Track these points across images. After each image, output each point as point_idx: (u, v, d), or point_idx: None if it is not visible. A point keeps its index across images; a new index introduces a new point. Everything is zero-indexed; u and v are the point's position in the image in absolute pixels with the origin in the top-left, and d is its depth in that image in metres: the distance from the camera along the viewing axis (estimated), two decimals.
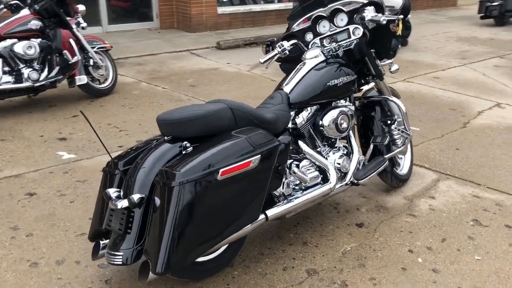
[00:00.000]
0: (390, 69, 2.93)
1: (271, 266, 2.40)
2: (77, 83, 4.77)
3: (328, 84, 2.62)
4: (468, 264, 2.43)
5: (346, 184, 2.67)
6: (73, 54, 4.60)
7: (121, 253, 1.98)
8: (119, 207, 1.98)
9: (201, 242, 1.95)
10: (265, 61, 2.72)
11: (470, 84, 5.74)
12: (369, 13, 2.60)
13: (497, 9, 9.89)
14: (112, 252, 2.01)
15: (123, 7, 9.01)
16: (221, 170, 1.93)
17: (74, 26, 4.74)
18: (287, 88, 2.62)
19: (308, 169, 2.53)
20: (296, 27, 2.99)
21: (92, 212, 2.26)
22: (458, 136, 4.13)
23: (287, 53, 2.78)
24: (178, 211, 1.84)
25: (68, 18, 4.71)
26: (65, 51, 4.54)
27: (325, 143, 2.72)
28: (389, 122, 3.02)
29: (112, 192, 2.07)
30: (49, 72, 4.59)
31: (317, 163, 2.58)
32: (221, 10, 9.08)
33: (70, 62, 4.57)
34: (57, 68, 4.62)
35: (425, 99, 5.14)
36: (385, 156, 2.89)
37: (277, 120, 2.40)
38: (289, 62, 3.01)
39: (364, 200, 3.05)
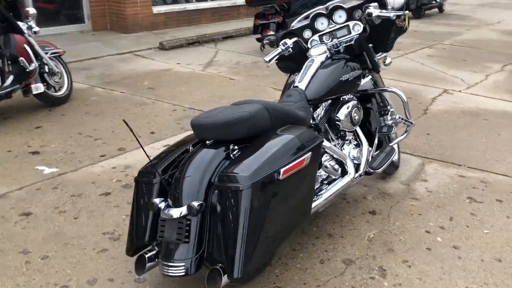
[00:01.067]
0: (384, 62, 3.09)
1: (308, 260, 2.44)
2: (34, 92, 4.45)
3: (341, 79, 2.71)
4: (481, 238, 2.65)
5: (360, 175, 2.78)
6: (29, 61, 4.29)
7: (183, 264, 1.92)
8: (175, 216, 1.92)
9: (271, 242, 1.95)
10: (270, 60, 2.75)
11: (414, 74, 6.15)
12: (375, 9, 2.72)
13: (414, 3, 10.64)
14: (170, 264, 1.94)
15: (50, 9, 8.46)
16: (282, 170, 1.94)
17: (25, 31, 4.40)
18: (302, 85, 2.67)
19: (331, 163, 2.61)
20: (295, 24, 3.03)
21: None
22: (424, 122, 4.43)
23: (291, 50, 2.84)
24: (248, 214, 1.83)
25: (18, 23, 4.37)
26: (21, 58, 4.21)
27: (338, 137, 2.82)
28: (383, 113, 3.18)
29: (159, 202, 2.00)
30: (3, 81, 4.23)
31: (335, 156, 2.66)
32: (156, 9, 8.87)
33: (27, 70, 4.25)
34: (11, 77, 4.26)
35: None
36: (390, 145, 3.05)
37: (306, 117, 2.44)
38: (287, 60, 3.05)
39: (367, 189, 3.19)
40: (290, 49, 2.82)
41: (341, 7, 2.88)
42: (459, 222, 2.80)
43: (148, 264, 2.07)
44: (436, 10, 11.68)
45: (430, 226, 2.76)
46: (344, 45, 2.90)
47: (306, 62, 2.81)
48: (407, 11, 2.80)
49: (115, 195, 3.07)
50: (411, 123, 3.18)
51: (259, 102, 2.25)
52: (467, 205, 2.99)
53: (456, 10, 12.48)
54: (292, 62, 2.99)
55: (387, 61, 3.08)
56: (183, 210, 1.93)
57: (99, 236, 2.63)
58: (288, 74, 2.96)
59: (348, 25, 2.89)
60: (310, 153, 2.09)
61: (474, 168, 3.51)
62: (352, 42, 2.88)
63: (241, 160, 1.95)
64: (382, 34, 2.94)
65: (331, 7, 2.91)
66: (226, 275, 1.85)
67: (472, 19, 10.95)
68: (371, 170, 2.81)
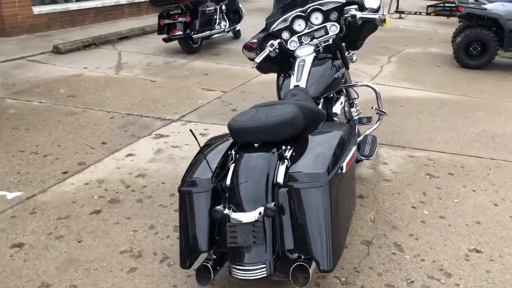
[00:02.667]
0: (351, 59, 3.38)
1: None
2: None
3: (334, 77, 2.92)
4: (455, 206, 3.11)
5: (356, 162, 3.05)
6: None
7: (263, 265, 1.96)
8: (250, 220, 1.96)
9: (344, 233, 2.08)
10: (260, 61, 2.86)
11: None
12: (357, 11, 2.97)
13: None
14: (249, 268, 1.96)
15: None
16: (344, 164, 2.09)
17: None
18: (302, 84, 2.83)
19: None
20: (275, 26, 3.15)
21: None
22: None
23: (277, 51, 2.99)
24: (329, 208, 1.94)
25: None
26: None
27: None
28: (351, 105, 3.49)
29: (222, 208, 2.01)
30: None
31: None
32: (37, 10, 8.11)
33: None
34: None
35: None
36: (367, 133, 3.36)
37: (324, 113, 2.61)
38: (266, 60, 3.17)
39: None
40: (277, 50, 2.96)
41: (319, 10, 3.08)
42: (432, 196, 3.23)
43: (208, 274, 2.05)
44: None
45: (412, 202, 3.14)
46: (323, 45, 3.11)
47: (297, 62, 2.97)
48: (387, 14, 3.11)
49: (107, 212, 2.88)
50: (384, 112, 3.53)
51: (289, 102, 2.36)
52: (430, 181, 3.45)
53: None
54: (269, 62, 3.11)
55: (354, 58, 3.38)
56: (256, 213, 1.96)
57: (118, 256, 2.48)
58: (277, 75, 3.07)
59: (325, 26, 3.10)
60: (356, 146, 2.27)
61: (417, 148, 4.02)
62: (330, 42, 3.11)
63: (306, 159, 2.04)
64: (355, 34, 3.22)
65: (309, 9, 3.09)
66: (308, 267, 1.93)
67: None
68: (364, 158, 3.09)
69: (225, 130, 4.20)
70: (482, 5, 6.91)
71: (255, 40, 3.15)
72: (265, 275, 1.97)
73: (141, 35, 8.46)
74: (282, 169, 2.09)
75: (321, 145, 2.13)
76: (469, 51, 6.83)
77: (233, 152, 2.25)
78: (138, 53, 7.14)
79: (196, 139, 2.01)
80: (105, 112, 4.60)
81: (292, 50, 3.04)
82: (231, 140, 2.35)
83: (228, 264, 2.05)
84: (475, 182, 3.44)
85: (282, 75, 3.02)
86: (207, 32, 7.22)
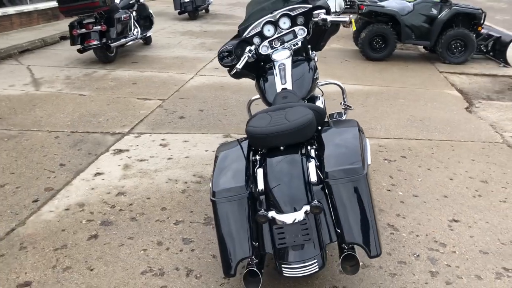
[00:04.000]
0: (315, 59, 3.60)
1: None
2: None
3: (314, 77, 3.11)
4: (421, 185, 3.48)
5: None
6: None
7: (314, 260, 2.07)
8: (298, 219, 2.05)
9: (377, 219, 2.26)
10: (241, 67, 2.96)
11: None
12: (326, 15, 3.17)
13: (190, 5, 11.36)
14: (301, 265, 2.06)
15: None
16: (368, 156, 2.27)
17: None
18: (288, 86, 2.97)
19: None
20: (248, 32, 3.23)
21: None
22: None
23: (255, 56, 3.11)
24: (369, 197, 2.11)
25: None
26: None
27: None
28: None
29: (265, 212, 2.09)
30: None
31: None
32: None
33: None
34: None
35: (240, 86, 5.92)
36: None
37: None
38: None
39: None
40: (255, 55, 3.08)
41: (287, 15, 3.24)
42: (398, 178, 3.58)
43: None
44: (203, 11, 12.67)
45: (385, 186, 3.45)
46: (293, 48, 3.28)
47: (277, 65, 3.10)
48: (354, 16, 3.35)
49: (105, 236, 2.76)
50: (350, 107, 3.79)
51: (299, 105, 2.48)
52: (389, 165, 3.80)
53: (217, 10, 13.75)
54: (244, 68, 3.20)
55: (316, 59, 3.60)
56: (302, 213, 2.06)
57: (141, 278, 2.41)
58: (257, 79, 3.17)
59: (294, 30, 3.27)
60: (367, 138, 2.46)
61: (366, 137, 4.37)
62: (300, 44, 3.29)
63: (337, 156, 2.19)
64: (318, 36, 3.43)
65: (279, 15, 3.23)
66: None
67: (237, 18, 12.32)
68: None
69: (183, 137, 4.18)
70: (378, 3, 7.61)
71: (230, 47, 3.20)
72: (317, 269, 2.08)
73: (43, 47, 7.89)
74: (311, 167, 2.21)
75: (344, 141, 2.29)
76: (372, 45, 7.48)
77: (257, 157, 2.31)
78: (50, 67, 6.67)
79: None
80: (46, 132, 4.28)
81: (265, 55, 3.15)
82: (246, 146, 2.40)
83: (276, 265, 2.12)
84: (426, 161, 3.87)
85: (263, 79, 3.12)
86: (123, 40, 6.99)
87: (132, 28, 7.38)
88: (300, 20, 3.25)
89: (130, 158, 3.78)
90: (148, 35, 8.08)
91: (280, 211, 2.09)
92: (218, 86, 5.91)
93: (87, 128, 4.38)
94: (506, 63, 7.38)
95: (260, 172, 2.24)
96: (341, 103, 3.62)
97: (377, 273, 2.47)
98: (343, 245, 2.14)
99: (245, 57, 3.02)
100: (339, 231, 2.12)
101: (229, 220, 2.13)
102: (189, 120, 4.68)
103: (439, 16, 7.32)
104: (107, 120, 4.63)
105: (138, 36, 7.58)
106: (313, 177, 2.19)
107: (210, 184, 2.29)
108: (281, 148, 2.28)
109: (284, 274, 2.09)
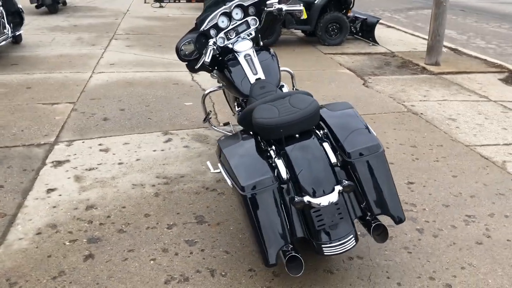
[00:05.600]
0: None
1: None
2: None
3: (279, 66, 3.21)
4: None
5: None
6: None
7: (351, 236, 2.23)
8: (333, 201, 2.19)
9: None
10: (209, 60, 2.97)
11: (155, 63, 6.59)
12: (279, 4, 3.27)
13: None
14: (340, 242, 2.20)
15: None
16: (374, 133, 2.47)
17: None
18: (262, 76, 3.04)
19: None
20: (205, 25, 3.18)
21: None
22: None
23: (220, 49, 3.13)
24: (389, 170, 2.32)
25: None
26: None
27: None
28: None
29: (301, 198, 2.18)
30: None
31: None
32: None
33: None
34: None
35: (156, 82, 5.70)
36: None
37: None
38: (194, 60, 3.23)
39: None
40: (219, 47, 3.09)
41: (240, 5, 3.28)
42: None
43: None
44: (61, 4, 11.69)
45: None
46: (248, 38, 3.34)
47: (242, 56, 3.13)
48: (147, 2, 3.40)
49: (101, 253, 2.55)
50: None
51: (295, 92, 2.58)
52: None
53: (75, 2, 12.78)
54: (195, 62, 3.19)
55: None
56: (336, 193, 2.20)
57: (169, 287, 2.31)
58: (221, 72, 3.16)
59: (246, 20, 3.33)
60: None
61: None
62: (253, 34, 3.36)
63: (353, 137, 2.35)
64: (267, 26, 3.52)
65: (233, 6, 3.25)
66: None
67: (102, 10, 11.64)
68: None
69: (121, 140, 3.93)
70: None
71: (190, 41, 3.13)
72: (354, 244, 2.24)
73: None
74: (328, 150, 2.35)
75: (350, 122, 2.45)
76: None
77: (271, 148, 2.36)
78: None
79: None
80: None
81: (223, 46, 3.16)
82: (251, 139, 2.43)
83: (314, 246, 2.22)
84: None
85: (228, 71, 3.12)
86: None
87: (2, 26, 6.55)
88: (251, 10, 3.31)
89: (77, 169, 3.47)
90: (18, 33, 7.23)
91: (316, 194, 2.19)
92: (124, 82, 5.62)
93: (4, 143, 3.87)
94: (374, 41, 8.29)
95: (280, 162, 2.31)
96: (293, 89, 3.78)
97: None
98: (367, 218, 2.32)
99: (210, 49, 2.99)
100: (364, 205, 2.30)
101: (264, 212, 2.17)
102: (115, 121, 4.42)
103: (315, 2, 7.89)
104: (22, 131, 4.13)
105: (10, 35, 6.76)
106: (334, 158, 2.33)
107: (229, 181, 2.28)
108: (297, 135, 2.36)
109: (326, 254, 2.20)
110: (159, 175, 3.41)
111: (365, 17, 8.48)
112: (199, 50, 3.12)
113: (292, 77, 3.78)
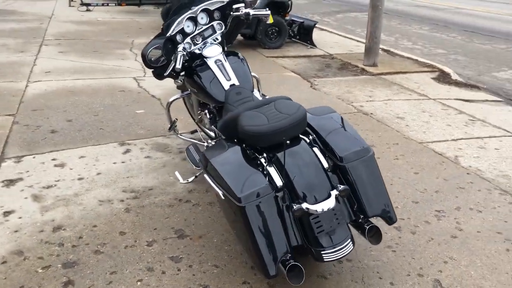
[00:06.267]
0: None
1: None
2: None
3: (250, 70, 3.16)
4: None
5: None
6: None
7: (348, 240, 2.23)
8: (331, 206, 2.18)
9: None
10: (180, 66, 2.88)
11: (97, 69, 6.25)
12: (246, 9, 3.22)
13: None
14: (340, 247, 2.20)
15: None
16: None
17: None
18: (235, 82, 2.98)
19: None
20: (172, 30, 3.06)
21: None
22: None
23: (189, 55, 3.05)
24: (379, 172, 2.35)
25: None
26: None
27: None
28: None
29: (299, 206, 2.16)
30: None
31: None
32: None
33: None
34: None
35: (100, 90, 5.40)
36: None
37: None
38: (160, 68, 3.11)
39: None
40: (188, 52, 3.01)
41: (207, 10, 3.19)
42: None
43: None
44: None
45: None
46: (215, 43, 3.26)
47: (213, 62, 3.05)
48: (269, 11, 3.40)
49: (81, 278, 2.37)
50: (265, 96, 3.88)
51: (278, 98, 2.55)
52: None
53: None
54: (162, 69, 3.08)
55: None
56: (333, 198, 2.19)
57: None
58: (190, 79, 3.05)
59: (212, 25, 3.25)
60: None
61: None
62: (220, 39, 3.29)
63: (342, 141, 2.36)
64: (231, 30, 3.46)
65: (199, 10, 3.16)
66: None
67: (23, 13, 10.89)
68: None
69: (75, 153, 3.68)
70: None
71: (158, 47, 2.99)
72: (352, 248, 2.24)
73: None
74: (319, 154, 2.34)
75: (337, 126, 2.46)
76: None
77: (264, 155, 2.31)
78: None
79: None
80: None
81: (191, 52, 3.07)
82: (239, 147, 2.36)
83: (313, 253, 2.20)
84: None
85: (199, 78, 3.03)
86: None
87: None
88: (216, 14, 3.25)
89: (33, 187, 3.20)
90: None
91: (313, 200, 2.17)
92: (66, 91, 5.29)
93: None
94: (312, 44, 8.48)
95: (272, 169, 2.26)
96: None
97: (361, 240, 2.71)
98: (360, 221, 2.34)
99: (181, 55, 2.89)
100: (355, 208, 2.31)
101: (263, 222, 2.12)
102: (64, 133, 4.13)
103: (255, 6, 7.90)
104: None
105: None
106: (325, 163, 2.32)
107: (221, 192, 2.20)
108: (288, 142, 2.33)
109: (326, 260, 2.19)
110: (125, 189, 3.22)
111: (302, 21, 8.64)
112: (167, 56, 3.00)
113: (258, 81, 3.74)
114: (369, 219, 2.34)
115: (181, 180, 3.32)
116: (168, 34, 3.04)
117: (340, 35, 9.88)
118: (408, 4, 15.72)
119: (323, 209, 2.15)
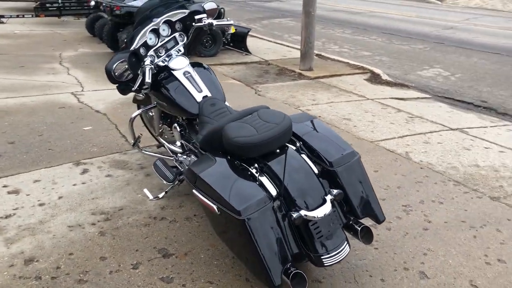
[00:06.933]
0: None
1: None
2: None
3: (217, 80, 3.14)
4: None
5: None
6: None
7: (344, 243, 2.29)
8: (328, 211, 2.23)
9: None
10: (150, 81, 2.83)
11: (50, 85, 5.83)
12: (208, 20, 3.18)
13: None
14: (338, 250, 2.25)
15: None
16: None
17: None
18: (208, 93, 2.95)
19: None
20: (136, 44, 2.96)
21: None
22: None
23: (157, 69, 2.99)
24: (366, 174, 2.44)
25: None
26: None
27: None
28: None
29: (299, 213, 2.19)
30: None
31: None
32: None
33: None
34: None
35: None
36: None
37: None
38: (124, 83, 3.02)
39: None
40: (157, 67, 2.95)
41: (169, 21, 3.13)
42: None
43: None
44: None
45: None
46: (179, 54, 3.21)
47: (181, 74, 3.00)
48: (232, 21, 3.37)
49: None
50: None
51: (259, 107, 2.56)
52: None
53: None
54: (128, 83, 3.01)
55: None
56: (329, 204, 2.24)
57: None
58: (159, 92, 2.98)
59: (174, 36, 3.20)
60: None
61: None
62: (183, 50, 3.24)
63: (328, 147, 2.41)
64: (192, 41, 3.41)
65: (161, 22, 3.09)
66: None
67: None
68: None
69: (28, 178, 3.46)
70: (128, 4, 7.58)
71: (124, 61, 2.88)
72: (348, 250, 2.30)
73: None
74: (308, 161, 2.38)
75: (321, 132, 2.51)
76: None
77: (256, 165, 2.31)
78: None
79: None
80: None
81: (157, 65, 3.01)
82: (226, 159, 2.35)
83: (314, 259, 2.22)
84: None
85: (167, 91, 2.96)
86: None
87: None
88: (178, 26, 3.20)
89: None
90: None
91: (310, 206, 2.20)
92: None
93: None
94: (247, 51, 8.57)
95: (265, 179, 2.27)
96: None
97: None
98: (350, 223, 2.40)
99: (149, 69, 2.82)
100: (346, 210, 2.38)
101: (264, 233, 2.11)
102: (10, 156, 3.84)
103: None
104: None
105: None
106: (315, 169, 2.36)
107: (215, 206, 2.17)
108: (277, 150, 2.34)
109: (326, 265, 2.22)
110: (94, 212, 3.06)
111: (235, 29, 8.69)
112: (133, 71, 2.89)
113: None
114: (358, 220, 2.41)
115: (151, 197, 3.22)
116: (132, 48, 2.94)
117: (271, 41, 10.07)
118: (326, 9, 16.37)
119: (321, 215, 2.18)
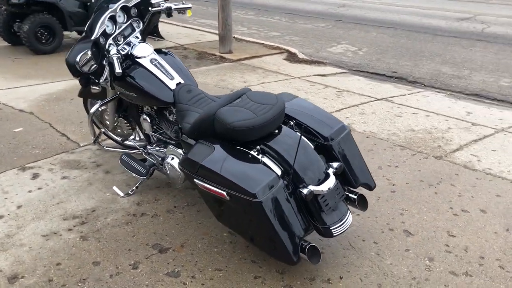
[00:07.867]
0: None
1: None
2: None
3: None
4: None
5: None
6: None
7: (348, 213, 2.40)
8: (333, 184, 2.32)
9: None
10: (121, 71, 2.72)
11: None
12: (169, 4, 3.06)
13: None
14: (343, 221, 2.36)
15: None
16: None
17: None
18: (180, 80, 2.86)
19: None
20: (97, 33, 2.76)
21: None
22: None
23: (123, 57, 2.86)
24: (356, 145, 2.56)
25: None
26: None
27: None
28: None
29: (308, 189, 2.26)
30: None
31: None
32: None
33: None
34: None
35: None
36: None
37: None
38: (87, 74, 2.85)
39: None
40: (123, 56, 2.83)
41: (125, 7, 2.96)
42: None
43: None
44: None
45: None
46: (137, 41, 3.06)
47: (148, 61, 2.88)
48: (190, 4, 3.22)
49: None
50: None
51: (246, 89, 2.56)
52: None
53: None
54: (93, 76, 2.86)
55: None
56: (333, 177, 2.33)
57: None
58: (133, 81, 2.82)
59: (130, 23, 3.04)
60: None
61: None
62: (140, 37, 3.09)
63: (319, 123, 2.49)
64: (148, 25, 3.24)
65: (118, 8, 2.91)
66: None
67: None
68: None
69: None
70: None
71: (87, 51, 2.68)
72: (351, 219, 2.42)
73: None
74: (303, 138, 2.44)
75: (310, 110, 2.58)
76: (38, 37, 6.88)
77: (258, 147, 2.32)
78: None
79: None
80: None
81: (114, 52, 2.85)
82: (227, 144, 2.34)
83: (322, 231, 2.31)
84: None
85: (134, 80, 2.81)
86: None
87: None
88: (133, 11, 3.06)
89: None
90: None
91: (316, 181, 2.27)
92: None
93: None
94: (160, 36, 8.31)
95: (267, 160, 2.29)
96: None
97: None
98: (346, 193, 2.52)
99: (116, 58, 2.68)
100: (343, 181, 2.49)
101: (279, 212, 2.15)
102: None
103: (92, 0, 7.37)
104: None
105: None
106: (312, 144, 2.44)
107: (225, 192, 2.16)
108: (276, 131, 2.37)
109: (335, 235, 2.32)
110: (65, 217, 2.84)
111: None
112: (97, 61, 2.71)
113: None
114: (352, 190, 2.53)
115: (122, 194, 3.07)
116: (93, 37, 2.74)
117: (181, 26, 9.86)
118: None
119: (328, 188, 2.26)
